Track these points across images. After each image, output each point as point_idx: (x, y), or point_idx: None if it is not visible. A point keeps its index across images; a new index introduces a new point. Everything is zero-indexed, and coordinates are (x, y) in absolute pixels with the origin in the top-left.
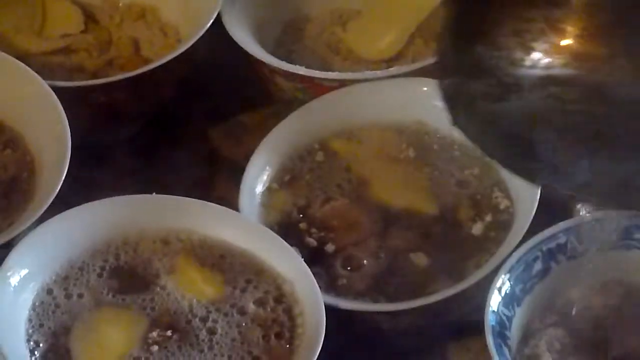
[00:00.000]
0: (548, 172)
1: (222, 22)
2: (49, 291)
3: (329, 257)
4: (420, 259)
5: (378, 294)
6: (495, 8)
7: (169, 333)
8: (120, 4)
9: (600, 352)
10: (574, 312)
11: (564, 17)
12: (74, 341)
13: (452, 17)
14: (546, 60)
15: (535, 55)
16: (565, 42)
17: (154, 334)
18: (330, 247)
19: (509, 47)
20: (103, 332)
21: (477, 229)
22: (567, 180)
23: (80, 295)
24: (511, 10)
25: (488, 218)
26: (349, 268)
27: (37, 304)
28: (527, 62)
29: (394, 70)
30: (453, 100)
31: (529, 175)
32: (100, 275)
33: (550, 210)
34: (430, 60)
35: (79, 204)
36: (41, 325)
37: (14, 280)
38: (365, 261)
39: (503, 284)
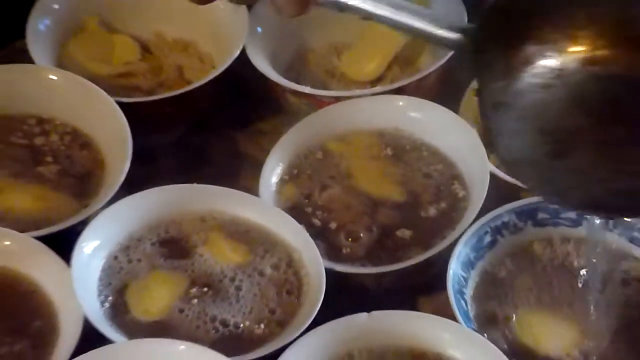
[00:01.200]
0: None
1: (246, 53)
2: (115, 257)
3: (333, 232)
4: (403, 234)
5: (371, 259)
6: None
7: (205, 289)
8: (169, 39)
9: None
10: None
11: None
12: (132, 295)
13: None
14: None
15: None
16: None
17: (194, 290)
18: (333, 225)
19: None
20: (154, 288)
21: (439, 211)
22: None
23: (138, 260)
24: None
25: (449, 203)
26: (350, 239)
27: (105, 267)
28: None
29: (376, 89)
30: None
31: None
32: (153, 245)
33: (497, 197)
34: (404, 82)
35: (137, 191)
36: (109, 284)
37: (88, 249)
38: (361, 233)
39: (461, 252)
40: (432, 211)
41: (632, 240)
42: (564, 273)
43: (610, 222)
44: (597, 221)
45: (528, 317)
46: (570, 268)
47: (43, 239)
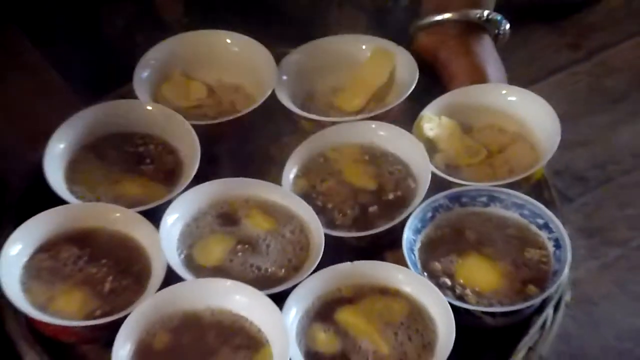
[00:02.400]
0: None
1: (275, 93)
2: (188, 225)
3: (329, 210)
4: (373, 208)
5: (354, 227)
6: None
7: (246, 246)
8: (226, 84)
9: None
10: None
11: None
12: (198, 250)
13: None
14: None
15: None
16: None
17: (239, 247)
18: (329, 205)
19: None
20: (213, 245)
21: (398, 196)
22: None
23: (203, 228)
24: None
25: (404, 191)
26: (340, 214)
27: (181, 231)
28: None
29: (359, 117)
30: None
31: None
32: (213, 217)
33: (435, 188)
34: (377, 112)
35: (203, 182)
36: (183, 242)
37: (170, 219)
38: (348, 211)
39: (411, 223)
40: (393, 196)
41: (521, 214)
42: (477, 237)
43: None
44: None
45: (454, 264)
46: (481, 233)
47: (142, 213)
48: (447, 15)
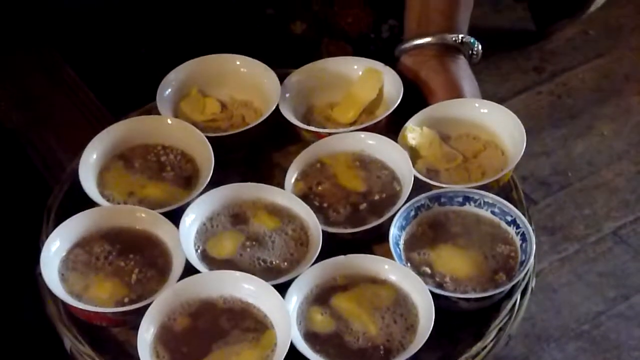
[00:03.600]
0: None
1: (279, 108)
2: (203, 224)
3: (325, 209)
4: (364, 207)
5: (347, 224)
6: None
7: (253, 242)
8: (237, 99)
9: None
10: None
11: None
12: (212, 245)
13: None
14: None
15: None
16: None
17: (247, 242)
18: (325, 205)
19: None
20: (224, 242)
21: (385, 197)
22: None
23: (217, 226)
24: None
25: (390, 193)
26: (335, 213)
27: (198, 230)
28: None
29: (351, 128)
30: None
31: None
32: (225, 217)
33: (417, 190)
34: (367, 124)
35: (217, 187)
36: (199, 240)
37: (188, 220)
38: (341, 210)
39: (397, 221)
40: (380, 197)
41: (492, 212)
42: (454, 232)
43: (481, 202)
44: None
45: (432, 256)
46: (457, 230)
47: (164, 214)
48: (427, 39)
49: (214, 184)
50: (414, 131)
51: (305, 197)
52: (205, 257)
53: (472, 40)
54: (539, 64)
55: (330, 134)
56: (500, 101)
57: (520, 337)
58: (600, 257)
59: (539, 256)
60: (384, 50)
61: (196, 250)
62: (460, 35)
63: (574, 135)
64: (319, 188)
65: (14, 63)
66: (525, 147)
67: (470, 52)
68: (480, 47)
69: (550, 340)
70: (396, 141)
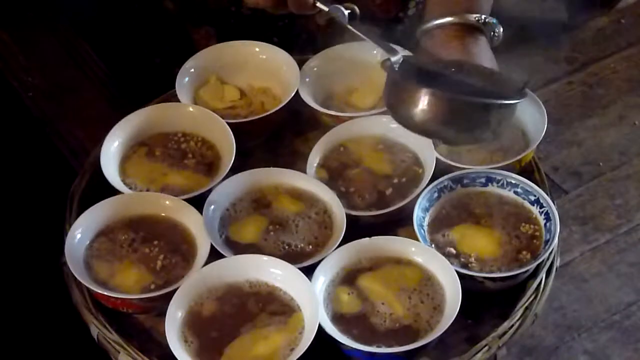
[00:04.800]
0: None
1: (299, 93)
2: (227, 209)
3: (350, 193)
4: (389, 192)
5: (371, 207)
6: None
7: (277, 226)
8: (256, 87)
9: None
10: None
11: None
12: (236, 231)
13: None
14: None
15: None
16: None
17: (271, 227)
18: (349, 188)
19: None
20: (248, 227)
21: (409, 179)
22: None
23: (240, 211)
24: None
25: (413, 175)
26: (360, 199)
27: (222, 215)
28: None
29: (372, 112)
30: None
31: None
32: (248, 202)
33: (440, 172)
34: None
35: (239, 173)
36: (223, 225)
37: (213, 206)
38: (365, 193)
39: (421, 202)
40: (404, 179)
41: (515, 192)
42: (478, 212)
43: (504, 182)
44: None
45: (457, 237)
46: (481, 211)
47: (188, 200)
48: (448, 19)
49: (235, 170)
50: None
51: (328, 181)
52: (229, 242)
53: (494, 21)
54: (570, 53)
55: (351, 117)
56: (531, 91)
57: (550, 327)
58: (631, 248)
59: (569, 246)
60: (411, 28)
61: (220, 236)
62: (483, 16)
63: (605, 125)
64: (343, 172)
65: (44, 56)
66: (557, 137)
67: (492, 33)
68: (501, 29)
69: (581, 330)
70: None
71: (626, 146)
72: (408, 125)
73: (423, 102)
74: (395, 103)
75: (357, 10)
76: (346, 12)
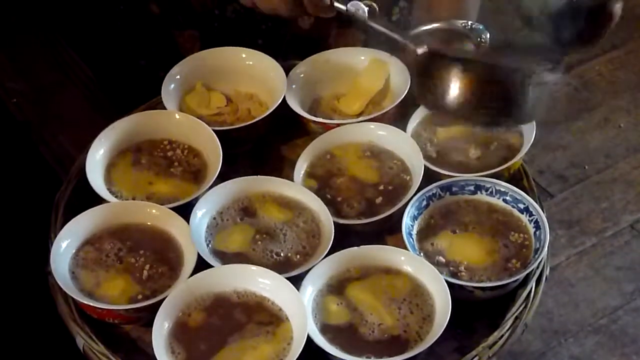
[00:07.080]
0: None
1: (286, 100)
2: (214, 218)
3: (337, 201)
4: (378, 200)
5: (359, 215)
6: None
7: (264, 235)
8: (242, 93)
9: None
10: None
11: None
12: (220, 239)
13: None
14: None
15: None
16: None
17: (258, 236)
18: (336, 197)
19: None
20: (235, 236)
21: (396, 187)
22: None
23: (227, 219)
24: None
25: (401, 183)
26: (348, 207)
27: (208, 224)
28: None
29: (359, 119)
30: None
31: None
32: (235, 211)
33: (427, 180)
34: (374, 115)
35: (225, 181)
36: (210, 234)
37: (199, 214)
38: (353, 202)
39: (409, 211)
40: (391, 187)
41: (504, 200)
42: (467, 221)
43: (493, 190)
44: (485, 192)
45: (446, 245)
46: (470, 219)
47: (174, 209)
48: (435, 25)
49: (222, 177)
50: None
51: (315, 189)
52: (216, 251)
53: (481, 27)
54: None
55: (338, 125)
56: None
57: (537, 332)
58: (617, 251)
59: (555, 250)
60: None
61: (207, 245)
62: (470, 22)
63: (590, 128)
64: (330, 179)
65: (28, 60)
66: (542, 140)
67: (478, 39)
68: (488, 35)
69: (568, 335)
70: (405, 131)
71: (612, 149)
72: (448, 107)
73: (462, 79)
74: (432, 89)
75: (376, 6)
76: (366, 9)
